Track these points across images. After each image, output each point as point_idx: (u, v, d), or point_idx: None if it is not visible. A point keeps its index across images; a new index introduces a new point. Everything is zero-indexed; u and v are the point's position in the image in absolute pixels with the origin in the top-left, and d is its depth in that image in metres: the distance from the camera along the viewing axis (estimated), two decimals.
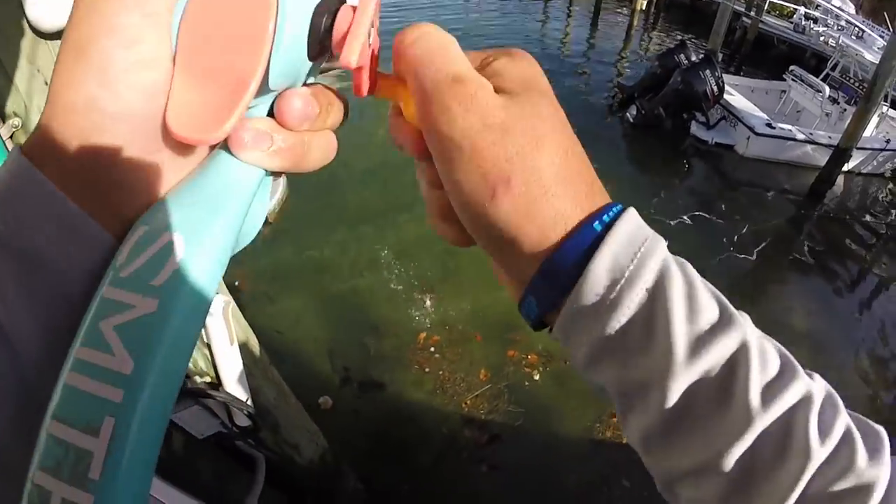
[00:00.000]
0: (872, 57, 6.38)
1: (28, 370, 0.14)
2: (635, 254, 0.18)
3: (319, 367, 3.27)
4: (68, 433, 0.13)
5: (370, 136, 6.01)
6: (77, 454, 0.13)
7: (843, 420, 0.19)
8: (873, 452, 0.18)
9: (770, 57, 9.02)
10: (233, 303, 1.42)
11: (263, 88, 0.16)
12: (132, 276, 0.14)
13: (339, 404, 2.97)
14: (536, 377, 3.25)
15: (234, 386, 1.26)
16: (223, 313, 1.30)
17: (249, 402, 1.29)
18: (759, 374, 0.19)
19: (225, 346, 1.25)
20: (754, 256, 4.20)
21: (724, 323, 0.19)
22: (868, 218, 5.07)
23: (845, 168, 5.31)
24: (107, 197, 0.15)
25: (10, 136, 0.75)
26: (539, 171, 0.18)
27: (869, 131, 5.59)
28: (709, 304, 0.19)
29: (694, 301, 0.19)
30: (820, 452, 0.18)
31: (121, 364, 0.13)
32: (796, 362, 0.20)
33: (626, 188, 5.22)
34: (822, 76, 6.76)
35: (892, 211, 5.25)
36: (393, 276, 4.12)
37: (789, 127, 5.79)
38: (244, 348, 1.39)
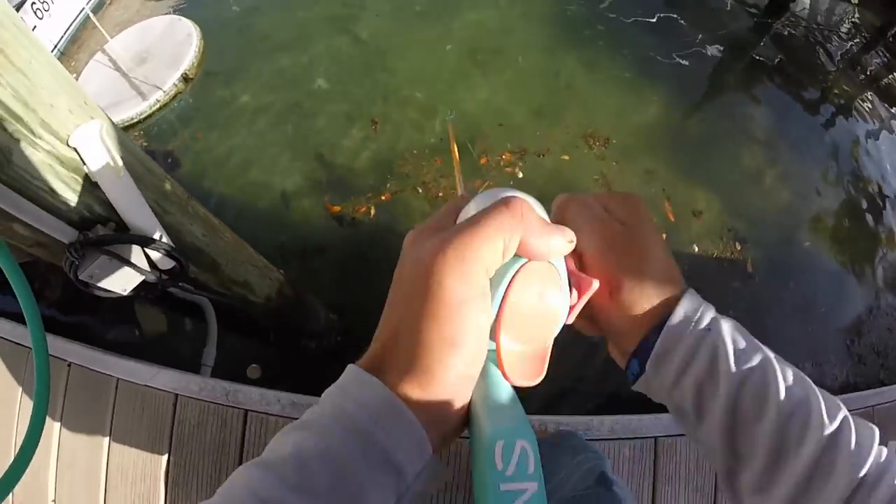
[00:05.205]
0: None
1: None
2: (694, 318, 0.32)
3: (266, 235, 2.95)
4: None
5: None
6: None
7: (843, 411, 0.30)
8: (863, 438, 0.29)
9: None
10: (115, 128, 1.05)
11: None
12: (516, 473, 0.22)
13: (302, 263, 2.82)
14: (520, 174, 3.11)
15: (139, 223, 0.99)
16: (100, 137, 0.95)
17: (165, 240, 1.04)
18: (781, 379, 0.30)
19: (113, 179, 0.94)
20: (711, 62, 3.91)
21: (751, 348, 0.32)
22: (833, 43, 4.74)
23: None
24: (434, 412, 0.25)
25: None
26: (642, 278, 0.33)
27: None
28: (745, 339, 0.32)
29: (737, 337, 0.32)
30: (828, 427, 0.29)
31: None
32: (804, 376, 0.32)
33: None
34: None
35: (855, 38, 4.86)
36: (326, 109, 3.50)
37: None
38: (148, 182, 1.08)
